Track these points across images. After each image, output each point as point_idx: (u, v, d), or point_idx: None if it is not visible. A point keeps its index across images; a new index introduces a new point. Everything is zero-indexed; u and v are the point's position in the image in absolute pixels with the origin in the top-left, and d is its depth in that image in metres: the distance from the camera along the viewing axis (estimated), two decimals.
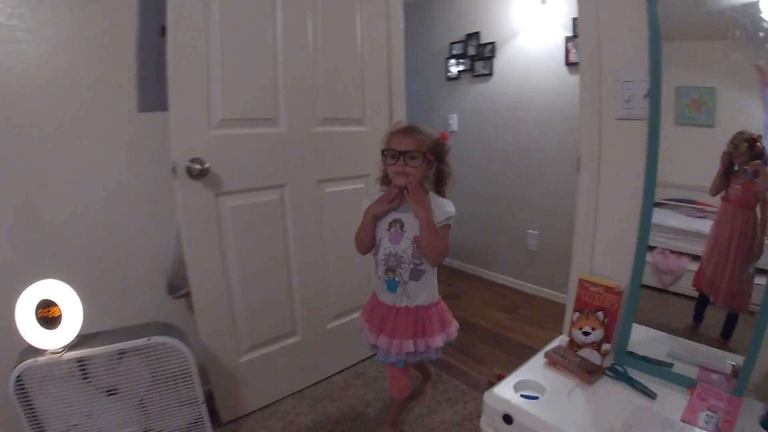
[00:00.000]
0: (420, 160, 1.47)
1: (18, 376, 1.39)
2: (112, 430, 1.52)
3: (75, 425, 1.50)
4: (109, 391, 1.50)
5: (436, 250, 1.49)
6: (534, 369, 1.29)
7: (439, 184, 1.57)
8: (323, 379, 2.12)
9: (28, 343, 1.42)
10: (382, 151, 1.52)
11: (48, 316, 1.40)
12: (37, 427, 1.47)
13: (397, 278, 1.55)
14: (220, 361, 1.79)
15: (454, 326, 1.66)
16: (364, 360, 2.25)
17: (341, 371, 2.18)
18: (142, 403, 1.53)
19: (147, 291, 1.76)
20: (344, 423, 1.84)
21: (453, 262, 3.75)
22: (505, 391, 1.19)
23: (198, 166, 1.59)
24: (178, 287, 1.72)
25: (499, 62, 3.11)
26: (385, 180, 1.58)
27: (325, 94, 1.94)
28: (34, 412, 1.45)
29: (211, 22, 1.61)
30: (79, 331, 1.44)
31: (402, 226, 1.53)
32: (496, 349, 2.42)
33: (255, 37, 1.72)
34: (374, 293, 1.67)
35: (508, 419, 1.12)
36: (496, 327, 2.68)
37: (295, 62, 1.82)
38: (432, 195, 1.53)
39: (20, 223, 1.60)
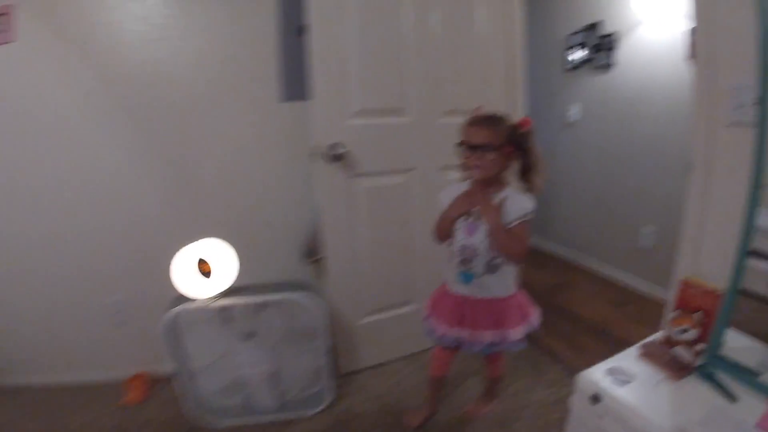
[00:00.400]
0: (494, 153, 1.41)
1: (172, 318, 1.70)
2: (247, 367, 1.80)
3: (215, 362, 1.81)
4: (247, 335, 1.77)
5: (510, 252, 1.44)
6: (628, 358, 1.33)
7: (525, 174, 1.48)
8: (431, 347, 2.25)
9: (180, 291, 1.72)
10: (458, 143, 1.47)
11: (205, 269, 1.70)
12: (183, 362, 1.78)
13: (472, 270, 1.52)
14: (343, 320, 2.02)
15: (535, 315, 1.61)
16: None
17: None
18: (274, 348, 1.80)
19: (287, 254, 2.06)
20: (446, 387, 1.94)
21: (564, 250, 3.75)
22: (597, 374, 1.26)
23: (336, 152, 1.80)
24: (313, 253, 1.97)
25: (620, 54, 3.03)
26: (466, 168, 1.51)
27: (449, 86, 2.05)
28: (181, 349, 1.76)
29: (347, 21, 1.79)
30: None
31: (477, 218, 1.49)
32: (598, 341, 2.43)
33: (386, 33, 1.87)
34: (445, 283, 1.64)
35: (595, 399, 1.20)
36: (601, 320, 2.67)
37: (422, 56, 1.96)
38: (510, 189, 1.47)
39: (184, 190, 1.97)
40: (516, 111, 2.17)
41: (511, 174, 1.48)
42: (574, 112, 3.46)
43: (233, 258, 1.72)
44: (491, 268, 1.50)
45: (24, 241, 1.98)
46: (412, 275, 2.15)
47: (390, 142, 1.96)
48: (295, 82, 1.94)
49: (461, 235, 1.52)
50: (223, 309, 1.72)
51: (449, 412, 1.89)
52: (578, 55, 3.35)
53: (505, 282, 1.54)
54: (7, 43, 1.75)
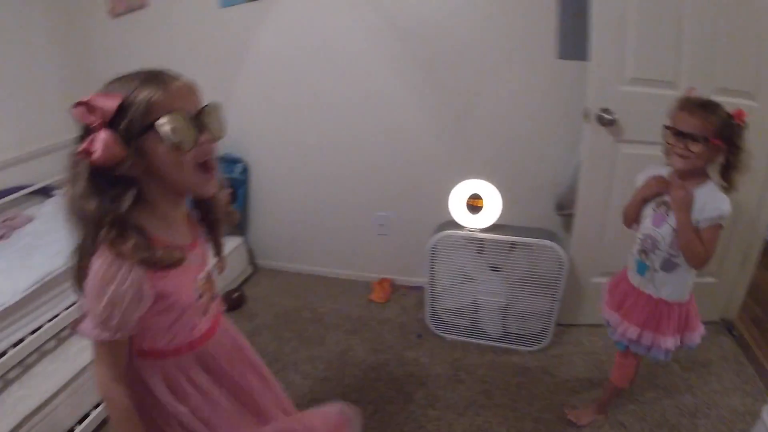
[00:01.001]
0: (702, 144, 1.28)
1: (439, 239, 2.00)
2: (484, 295, 2.06)
3: (459, 284, 2.09)
4: (493, 268, 2.02)
5: (691, 254, 1.34)
6: None
7: (727, 171, 1.34)
8: None
9: (448, 218, 2.02)
10: (664, 126, 1.37)
11: (474, 204, 1.93)
12: (433, 277, 2.09)
13: (648, 262, 1.46)
14: (577, 275, 2.15)
15: (698, 332, 1.48)
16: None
17: None
18: (512, 285, 2.02)
19: (542, 203, 2.23)
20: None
21: None
22: None
23: (608, 116, 1.88)
24: (565, 207, 2.13)
25: None
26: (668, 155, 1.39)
27: (723, 63, 1.93)
28: (435, 266, 2.06)
29: None
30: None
31: (668, 210, 1.40)
32: None
33: (665, 3, 1.83)
34: (625, 268, 1.58)
35: None
36: None
37: (700, 28, 1.87)
38: (710, 186, 1.34)
39: (458, 132, 2.24)
40: None
41: (713, 168, 1.37)
42: None
43: (498, 199, 1.92)
44: (668, 266, 1.42)
45: (317, 148, 2.47)
46: None
47: (657, 114, 1.96)
48: (572, 41, 2.00)
49: (648, 223, 1.45)
50: (480, 241, 1.96)
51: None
52: None
53: (678, 286, 1.44)
54: None
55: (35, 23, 2.48)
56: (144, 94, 0.77)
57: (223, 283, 2.42)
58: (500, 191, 1.97)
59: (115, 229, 0.79)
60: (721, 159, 1.33)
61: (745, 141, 1.31)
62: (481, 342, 2.15)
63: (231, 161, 2.56)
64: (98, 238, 0.80)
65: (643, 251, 1.46)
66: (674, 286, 1.44)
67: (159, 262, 0.83)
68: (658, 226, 1.42)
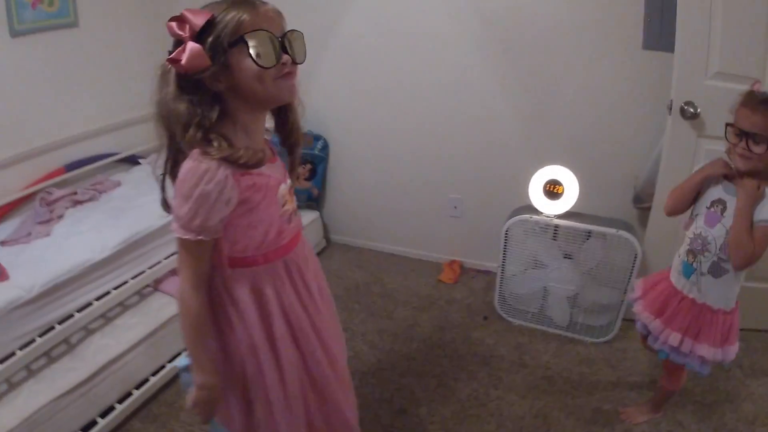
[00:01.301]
0: (766, 145, 1.22)
1: (515, 223, 2.04)
2: (555, 282, 2.08)
3: (530, 269, 2.12)
4: (566, 255, 2.03)
5: (739, 248, 1.28)
6: None
7: None
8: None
9: (522, 204, 2.06)
10: (726, 124, 1.31)
11: (553, 190, 1.95)
12: (506, 261, 2.14)
13: (695, 265, 1.40)
14: (649, 269, 2.03)
15: (735, 347, 1.44)
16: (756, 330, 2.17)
17: None
18: (583, 274, 2.03)
19: (620, 194, 2.21)
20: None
21: None
22: None
23: (691, 110, 1.85)
24: (642, 200, 2.11)
25: None
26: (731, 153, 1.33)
27: None
28: (507, 251, 2.10)
29: None
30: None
31: (724, 209, 1.34)
32: None
33: None
34: (667, 270, 1.54)
35: None
36: None
37: None
38: None
39: (538, 117, 2.26)
40: None
41: None
42: None
43: (576, 186, 1.94)
44: (716, 270, 1.36)
45: (396, 130, 2.54)
46: None
47: None
48: (657, 31, 1.99)
49: (700, 221, 1.39)
50: (556, 227, 1.99)
51: None
52: None
53: (724, 292, 1.40)
54: None
55: (121, 3, 2.57)
56: (232, 14, 0.84)
57: None
58: (579, 178, 1.97)
59: (201, 131, 0.87)
60: None
61: None
62: (547, 329, 2.17)
63: (312, 138, 2.67)
64: (186, 139, 0.88)
65: (691, 252, 1.41)
66: (721, 294, 1.39)
67: (241, 160, 0.89)
68: (711, 226, 1.36)
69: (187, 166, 0.88)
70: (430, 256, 2.74)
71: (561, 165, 1.99)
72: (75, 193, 2.22)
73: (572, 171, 1.98)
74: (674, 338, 1.43)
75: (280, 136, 1.08)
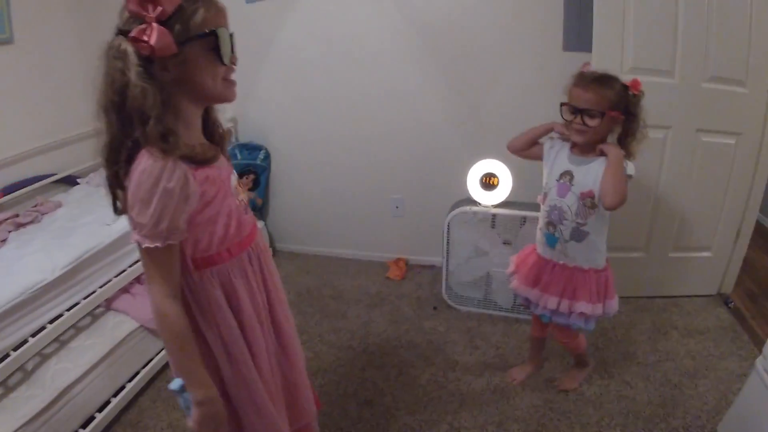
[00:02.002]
0: (599, 118, 1.34)
1: (454, 216, 2.16)
2: (496, 267, 2.20)
3: (473, 258, 2.24)
4: (505, 241, 2.17)
5: (616, 188, 1.34)
6: None
7: (624, 139, 1.41)
8: (648, 297, 2.38)
9: (459, 198, 2.18)
10: (561, 104, 1.42)
11: (489, 182, 2.08)
12: (448, 252, 2.25)
13: (557, 234, 1.50)
14: None
15: (615, 301, 1.56)
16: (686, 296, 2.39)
17: (664, 297, 2.38)
18: None
19: None
20: (650, 333, 2.15)
21: None
22: None
23: None
24: None
25: None
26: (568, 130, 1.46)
27: (718, 52, 2.06)
28: (450, 242, 2.22)
29: None
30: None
31: (571, 179, 1.45)
32: None
33: None
34: (534, 246, 1.66)
35: None
36: None
37: (692, 21, 2.00)
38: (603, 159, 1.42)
39: (469, 118, 2.39)
40: None
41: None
42: None
43: (510, 177, 2.08)
44: (578, 235, 1.47)
45: (336, 137, 2.62)
46: (653, 225, 2.27)
47: (656, 101, 2.09)
48: (576, 34, 2.15)
49: (553, 194, 1.50)
50: (494, 216, 2.11)
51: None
52: None
53: (590, 253, 1.50)
54: None
55: (58, 20, 2.53)
56: (199, 6, 0.83)
57: None
58: (511, 171, 2.11)
59: (161, 125, 0.81)
60: (619, 129, 1.41)
61: (642, 110, 1.39)
62: (494, 313, 2.30)
63: (254, 148, 2.69)
64: (147, 133, 0.81)
65: (551, 224, 1.52)
66: (588, 255, 1.50)
67: (199, 157, 0.88)
68: (563, 197, 1.47)
69: (140, 168, 0.82)
70: (376, 255, 2.82)
71: (495, 159, 2.12)
72: (17, 216, 2.16)
73: (506, 163, 2.11)
74: (552, 302, 1.55)
75: (205, 133, 1.02)
